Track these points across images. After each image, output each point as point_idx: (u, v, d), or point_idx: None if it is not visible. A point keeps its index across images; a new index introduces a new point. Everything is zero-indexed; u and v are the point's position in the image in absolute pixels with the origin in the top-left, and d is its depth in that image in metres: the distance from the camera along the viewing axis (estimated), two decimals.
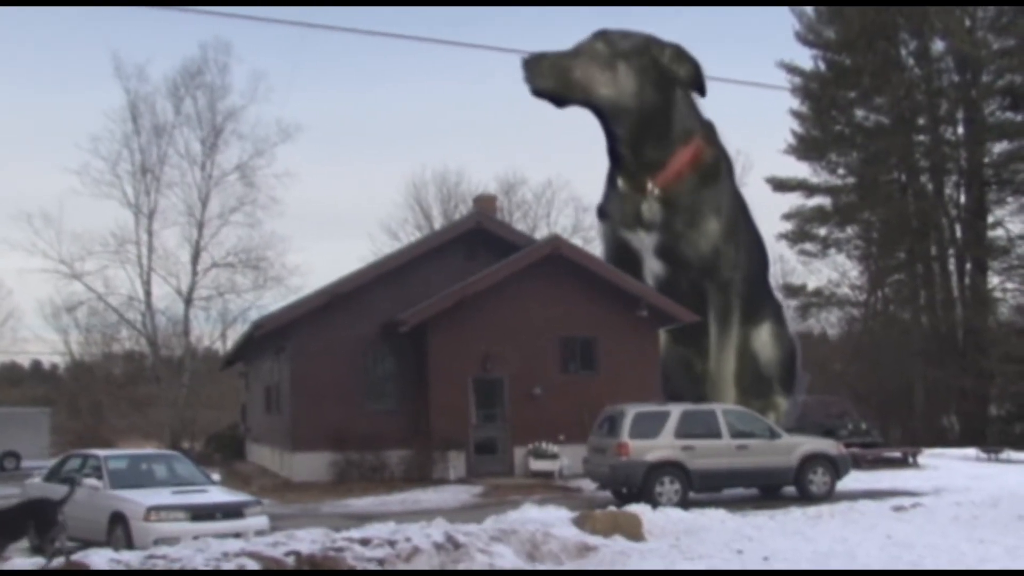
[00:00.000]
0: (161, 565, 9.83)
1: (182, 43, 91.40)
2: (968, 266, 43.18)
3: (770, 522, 14.15)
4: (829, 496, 17.68)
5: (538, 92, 27.56)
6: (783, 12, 53.62)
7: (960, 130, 44.54)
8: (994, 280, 43.96)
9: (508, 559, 11.05)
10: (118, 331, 45.07)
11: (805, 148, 46.12)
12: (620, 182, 29.14)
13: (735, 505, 16.14)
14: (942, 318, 42.38)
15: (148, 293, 39.19)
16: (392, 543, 10.90)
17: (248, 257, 39.77)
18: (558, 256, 24.37)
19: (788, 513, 15.14)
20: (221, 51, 39.84)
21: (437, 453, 22.29)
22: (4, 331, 50.02)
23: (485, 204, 27.29)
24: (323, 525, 12.51)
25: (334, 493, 20.48)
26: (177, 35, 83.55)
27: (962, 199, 44.05)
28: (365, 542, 10.89)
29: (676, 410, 18.13)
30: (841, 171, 46.76)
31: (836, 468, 18.51)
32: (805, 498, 17.53)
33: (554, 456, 22.59)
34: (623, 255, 28.63)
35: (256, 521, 12.69)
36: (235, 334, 37.94)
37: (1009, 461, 26.32)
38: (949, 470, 23.23)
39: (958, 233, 43.75)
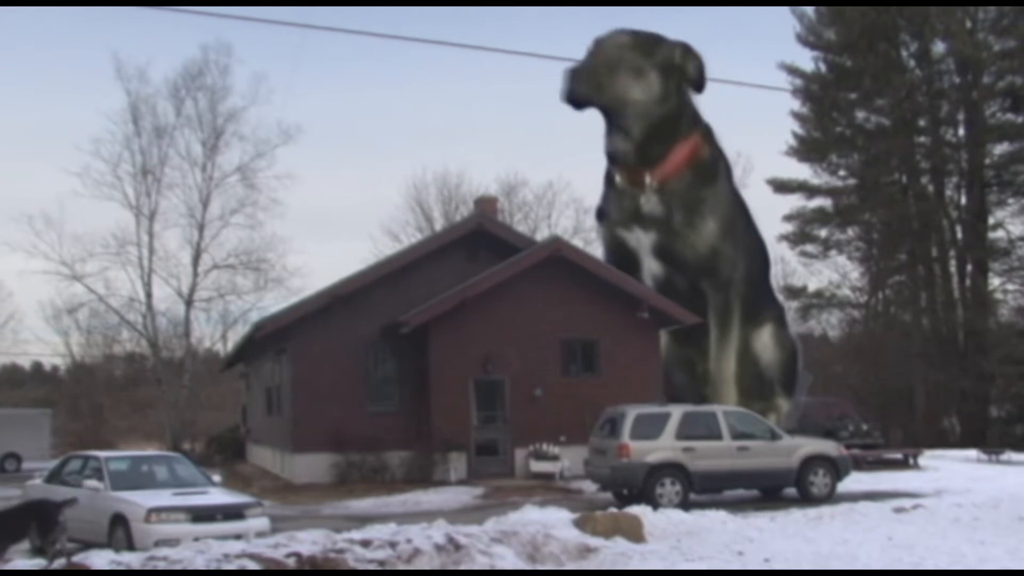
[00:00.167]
0: (162, 566, 9.85)
1: (183, 45, 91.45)
2: (969, 268, 43.09)
3: (771, 524, 14.16)
4: (830, 498, 17.69)
5: (573, 99, 27.79)
6: (784, 13, 53.78)
7: (961, 132, 44.47)
8: (995, 282, 43.90)
9: (509, 560, 11.06)
10: (119, 333, 45.27)
11: (806, 150, 46.04)
12: (618, 178, 29.22)
13: (736, 506, 16.15)
14: (943, 320, 42.31)
15: (149, 295, 39.20)
16: (393, 544, 10.91)
17: (249, 259, 39.78)
18: (559, 258, 24.39)
19: (789, 514, 15.14)
20: (222, 53, 39.95)
21: (438, 455, 22.30)
22: (5, 333, 50.03)
23: (486, 206, 27.33)
24: (324, 526, 12.53)
25: (335, 494, 20.50)
26: (178, 37, 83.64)
27: (963, 201, 43.96)
28: (366, 543, 10.90)
29: (677, 412, 18.13)
30: (842, 173, 46.70)
31: (837, 470, 18.53)
32: (806, 500, 17.56)
33: (555, 458, 22.59)
34: (621, 255, 28.65)
35: (257, 523, 12.73)
36: (236, 336, 38.12)
37: (1010, 463, 26.31)
38: (950, 471, 23.23)
39: (959, 235, 43.67)
